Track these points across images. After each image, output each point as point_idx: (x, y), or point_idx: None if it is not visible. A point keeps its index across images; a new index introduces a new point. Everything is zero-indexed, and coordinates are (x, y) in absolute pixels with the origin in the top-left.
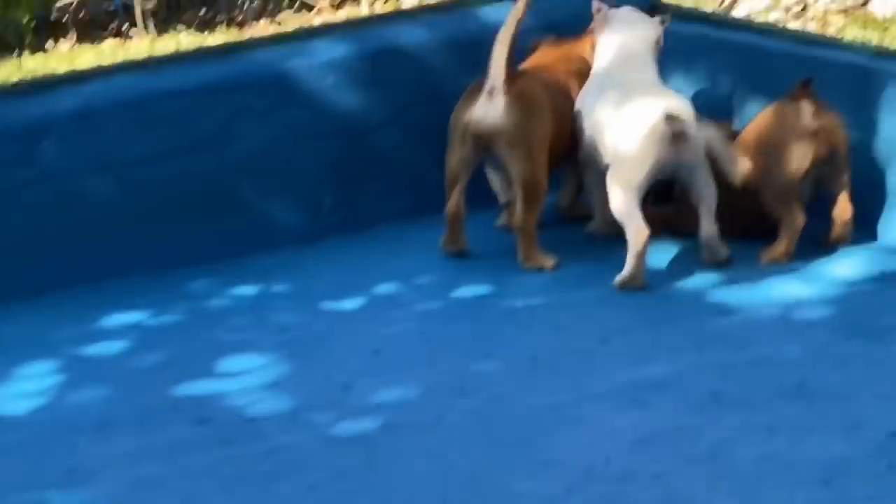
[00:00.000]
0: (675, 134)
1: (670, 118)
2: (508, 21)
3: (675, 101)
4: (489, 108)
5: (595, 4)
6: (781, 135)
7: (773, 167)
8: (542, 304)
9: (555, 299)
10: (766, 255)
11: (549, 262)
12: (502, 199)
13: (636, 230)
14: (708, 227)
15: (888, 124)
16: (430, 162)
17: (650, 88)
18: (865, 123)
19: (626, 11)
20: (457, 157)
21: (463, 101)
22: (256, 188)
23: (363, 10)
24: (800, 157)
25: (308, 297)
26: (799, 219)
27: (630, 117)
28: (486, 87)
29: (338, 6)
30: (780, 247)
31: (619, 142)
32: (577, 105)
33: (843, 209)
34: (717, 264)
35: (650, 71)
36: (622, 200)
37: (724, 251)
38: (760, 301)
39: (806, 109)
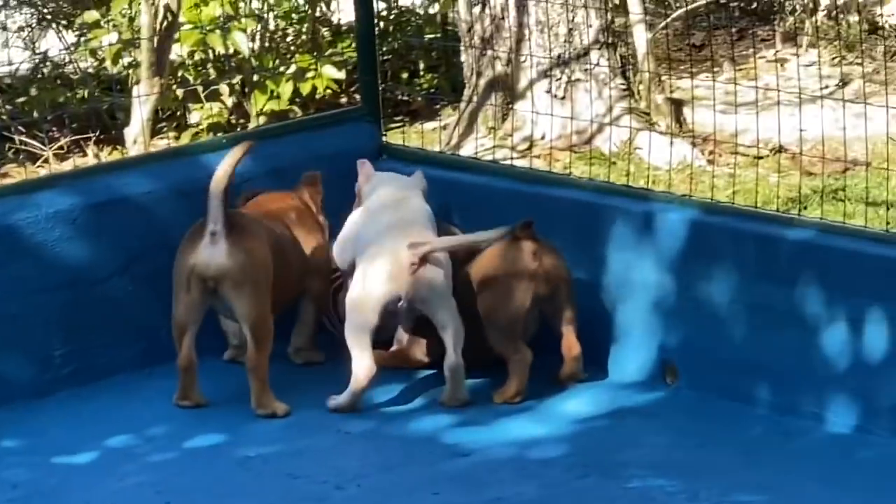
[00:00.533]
0: (411, 265)
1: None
2: (225, 162)
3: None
4: (213, 251)
5: (360, 161)
6: (503, 274)
7: (496, 305)
8: (275, 452)
9: (289, 446)
10: (499, 396)
11: (281, 407)
12: (233, 340)
13: (362, 368)
14: (454, 357)
15: (616, 260)
16: (161, 311)
17: (400, 229)
18: (594, 259)
19: (390, 174)
20: (184, 304)
21: (184, 246)
22: None
23: (89, 160)
24: (521, 297)
25: (40, 452)
26: (525, 356)
27: (371, 259)
28: (208, 229)
29: (63, 156)
30: (512, 387)
31: (355, 282)
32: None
33: (570, 345)
34: (456, 405)
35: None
36: (354, 336)
37: (464, 391)
38: (495, 441)
39: (526, 249)
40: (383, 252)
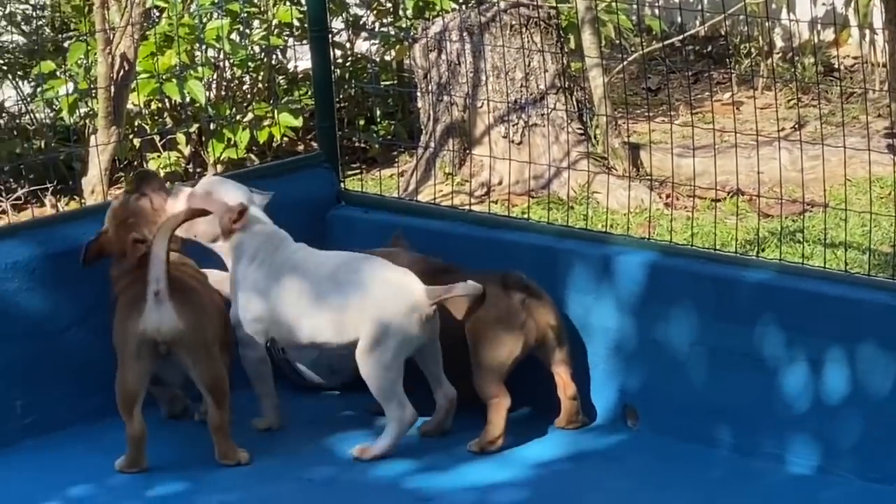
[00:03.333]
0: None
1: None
2: (167, 223)
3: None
4: (161, 313)
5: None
6: (493, 323)
7: (486, 353)
8: (237, 499)
9: (251, 494)
10: (476, 444)
11: (244, 456)
12: (174, 410)
13: (408, 413)
14: (450, 388)
15: (575, 303)
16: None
17: (369, 264)
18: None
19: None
20: (135, 373)
21: (126, 311)
22: None
23: (47, 211)
24: (510, 346)
25: (1, 502)
26: (505, 402)
27: (382, 297)
28: (150, 289)
29: (20, 207)
30: (491, 433)
31: (374, 322)
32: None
33: (565, 385)
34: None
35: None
36: (391, 380)
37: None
38: (457, 486)
39: (515, 299)
40: (396, 293)
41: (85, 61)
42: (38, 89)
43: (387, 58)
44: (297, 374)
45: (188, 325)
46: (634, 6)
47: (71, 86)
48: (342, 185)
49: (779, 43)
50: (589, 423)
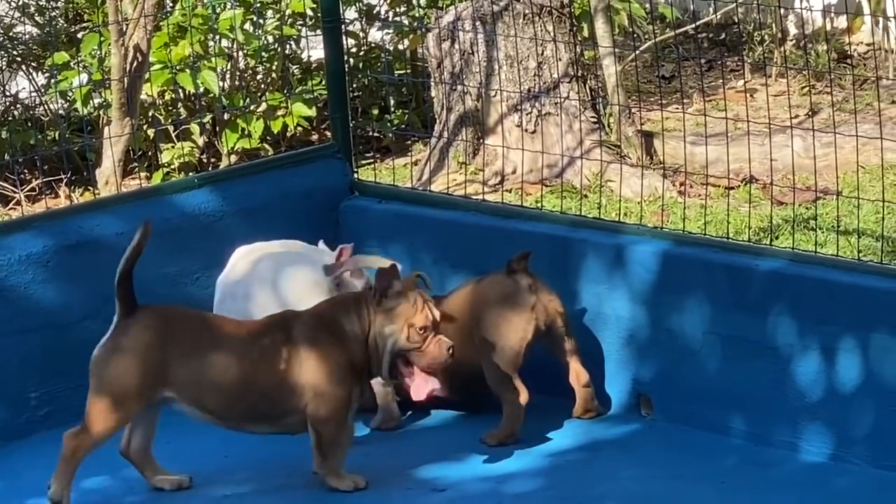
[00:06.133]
0: None
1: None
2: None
3: None
4: None
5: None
6: (503, 309)
7: (497, 341)
8: (251, 491)
9: (263, 485)
10: (492, 437)
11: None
12: None
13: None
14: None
15: (588, 293)
16: None
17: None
18: (566, 293)
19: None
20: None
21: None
22: None
23: (61, 202)
24: (523, 331)
25: (16, 494)
26: (523, 396)
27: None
28: None
29: (34, 198)
30: (507, 428)
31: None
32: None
33: (577, 374)
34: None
35: None
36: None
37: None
38: (472, 475)
39: (523, 283)
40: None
41: (98, 52)
42: (52, 80)
43: (400, 47)
44: None
45: None
46: None
47: (84, 77)
48: (355, 175)
49: (792, 30)
50: (603, 412)
